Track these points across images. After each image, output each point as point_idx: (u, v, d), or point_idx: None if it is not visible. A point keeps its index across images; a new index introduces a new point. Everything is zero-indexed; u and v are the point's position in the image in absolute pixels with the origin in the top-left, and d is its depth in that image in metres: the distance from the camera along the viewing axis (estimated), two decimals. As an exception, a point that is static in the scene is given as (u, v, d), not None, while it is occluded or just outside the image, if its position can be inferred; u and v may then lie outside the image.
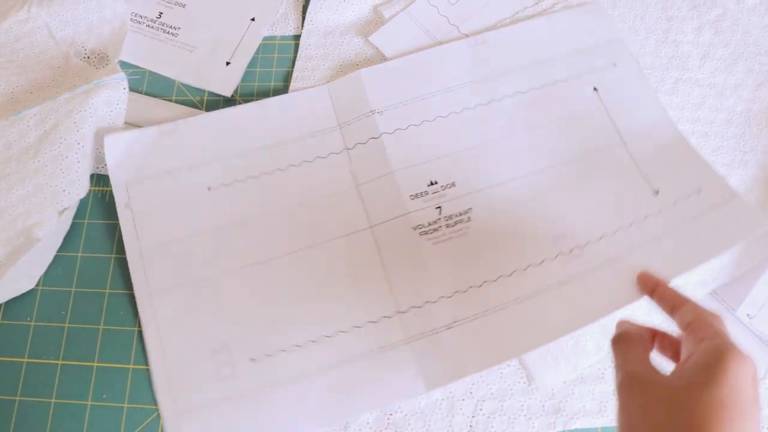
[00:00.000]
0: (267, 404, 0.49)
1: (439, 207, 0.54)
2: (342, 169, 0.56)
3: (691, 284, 0.52)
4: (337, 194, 0.56)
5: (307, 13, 0.64)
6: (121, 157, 0.56)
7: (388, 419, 0.51)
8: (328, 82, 0.61)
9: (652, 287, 0.44)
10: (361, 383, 0.49)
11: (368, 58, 0.62)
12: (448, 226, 0.53)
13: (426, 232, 0.53)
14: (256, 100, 0.61)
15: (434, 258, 0.53)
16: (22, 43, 0.63)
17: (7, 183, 0.54)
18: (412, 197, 0.54)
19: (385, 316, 0.51)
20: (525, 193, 0.55)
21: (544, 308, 0.50)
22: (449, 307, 0.51)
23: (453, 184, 0.55)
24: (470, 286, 0.52)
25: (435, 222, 0.54)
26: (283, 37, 0.65)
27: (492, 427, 0.50)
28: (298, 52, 0.63)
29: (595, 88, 0.58)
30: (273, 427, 0.48)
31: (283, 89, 0.62)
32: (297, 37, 0.64)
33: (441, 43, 0.61)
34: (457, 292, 0.52)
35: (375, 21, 0.64)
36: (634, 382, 0.35)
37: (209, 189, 0.56)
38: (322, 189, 0.56)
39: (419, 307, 0.51)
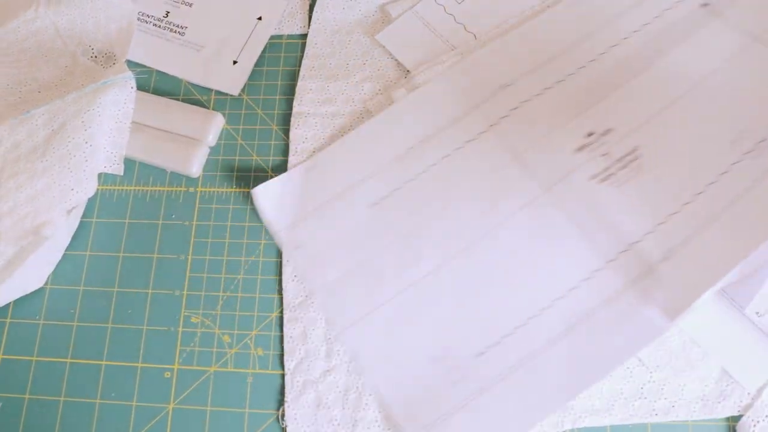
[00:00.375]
0: (509, 392, 0.48)
1: (606, 153, 0.54)
2: (496, 146, 0.55)
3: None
4: (500, 170, 0.55)
5: (314, 12, 0.64)
6: (275, 203, 0.56)
7: (395, 418, 0.51)
8: (329, 83, 0.61)
9: None
10: (599, 342, 0.49)
11: (375, 57, 0.62)
12: (621, 167, 0.53)
13: (604, 179, 0.53)
14: (264, 98, 0.62)
15: (622, 201, 0.52)
16: (29, 43, 0.63)
17: (16, 182, 0.54)
18: (577, 150, 0.54)
19: (596, 270, 0.50)
20: (688, 110, 0.55)
21: (757, 203, 0.50)
22: (657, 240, 0.50)
23: (609, 130, 0.55)
24: (670, 214, 0.51)
25: (608, 168, 0.53)
26: (290, 36, 0.65)
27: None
28: (305, 51, 0.63)
29: None
30: (521, 415, 0.48)
31: (291, 88, 0.62)
32: (304, 36, 0.64)
33: (448, 42, 0.61)
34: (659, 224, 0.51)
35: (382, 20, 0.64)
36: None
37: (372, 206, 0.55)
38: (483, 170, 0.55)
39: (626, 250, 0.50)
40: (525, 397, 0.49)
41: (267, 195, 0.57)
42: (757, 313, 0.50)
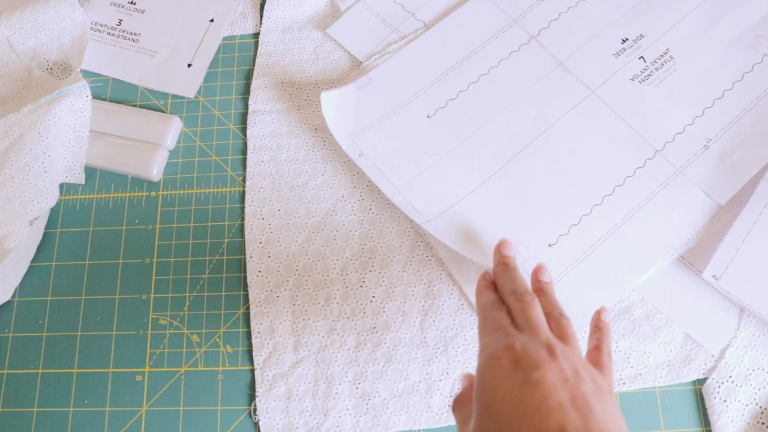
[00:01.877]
0: (583, 278, 0.52)
1: (641, 56, 0.58)
2: (539, 55, 0.60)
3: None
4: (546, 77, 0.59)
5: (265, 11, 0.65)
6: (335, 112, 0.58)
7: (366, 404, 0.51)
8: (283, 80, 0.62)
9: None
10: (657, 223, 0.53)
11: (327, 51, 0.63)
12: (657, 69, 0.58)
13: (643, 79, 0.58)
14: (220, 98, 0.62)
15: (661, 97, 0.57)
16: (-16, 59, 0.63)
17: (-25, 197, 0.55)
18: (615, 55, 0.59)
19: (648, 159, 0.55)
20: (707, 16, 0.60)
21: None
22: (697, 130, 0.55)
23: (641, 35, 0.59)
24: (705, 107, 0.56)
25: (645, 69, 0.58)
26: (242, 36, 0.65)
27: (470, 405, 0.51)
28: (258, 50, 0.64)
29: None
30: (595, 296, 0.51)
31: (246, 87, 0.62)
32: (256, 36, 0.65)
33: (398, 31, 0.62)
34: (696, 116, 0.56)
35: (332, 14, 0.64)
36: None
37: (428, 117, 0.58)
38: (530, 77, 0.59)
39: (671, 141, 0.55)
40: (598, 280, 0.52)
41: (330, 102, 0.59)
42: (714, 276, 0.51)
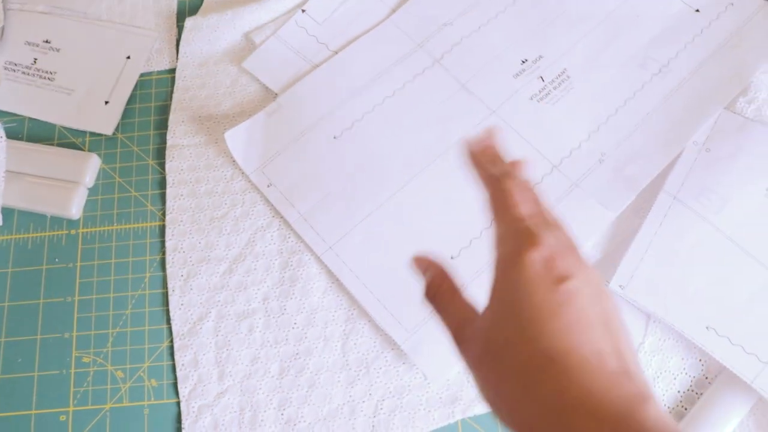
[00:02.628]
0: (482, 287, 0.51)
1: (540, 76, 0.61)
2: (442, 78, 0.62)
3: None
4: (449, 98, 0.61)
5: (180, 46, 0.66)
6: (243, 147, 0.60)
7: (292, 429, 0.52)
8: (201, 114, 0.63)
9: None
10: None
11: (244, 85, 0.64)
12: (555, 87, 0.61)
13: (542, 98, 0.61)
14: (139, 134, 0.63)
15: (559, 114, 0.60)
16: None
17: None
18: (515, 76, 0.62)
19: (545, 174, 0.58)
20: (601, 38, 0.63)
21: (667, 115, 0.60)
22: (592, 145, 0.59)
23: (540, 56, 0.63)
24: (600, 124, 0.59)
25: (543, 89, 0.61)
26: (159, 72, 0.66)
27: (394, 423, 0.52)
28: (175, 85, 0.64)
29: None
30: None
31: (164, 122, 0.63)
32: (173, 71, 0.65)
33: (312, 62, 0.64)
34: (591, 132, 0.59)
35: (247, 47, 0.66)
36: (465, 331, 0.33)
37: (335, 138, 0.60)
38: (434, 99, 0.61)
39: (568, 156, 0.58)
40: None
41: (236, 139, 0.60)
42: (620, 286, 0.54)
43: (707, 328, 0.52)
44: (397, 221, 0.57)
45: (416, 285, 0.52)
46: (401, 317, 0.53)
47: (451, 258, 0.55)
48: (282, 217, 0.58)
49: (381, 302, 0.54)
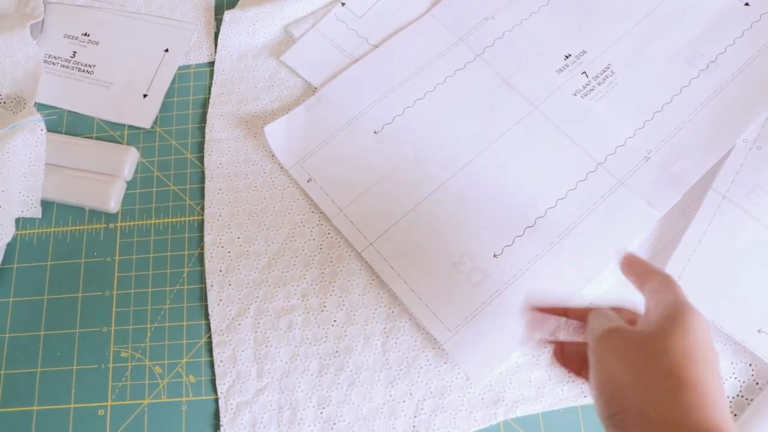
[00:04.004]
0: (526, 288, 0.52)
1: (584, 72, 0.60)
2: (484, 72, 0.61)
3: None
4: (490, 93, 0.60)
5: (219, 40, 0.65)
6: (283, 141, 0.59)
7: (331, 428, 0.51)
8: (239, 108, 0.62)
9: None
10: (600, 232, 0.54)
11: (282, 78, 0.63)
12: (599, 83, 0.60)
13: (585, 94, 0.59)
14: (177, 128, 0.62)
15: (603, 111, 0.59)
16: (-65, 95, 0.63)
17: (-72, 236, 0.54)
18: (558, 71, 0.60)
19: (590, 171, 0.56)
20: (647, 32, 0.62)
21: (716, 113, 0.58)
22: (638, 142, 0.57)
23: (584, 51, 0.61)
24: (645, 120, 0.58)
25: (587, 84, 0.60)
26: (197, 65, 0.65)
27: (434, 424, 0.51)
28: (213, 78, 0.64)
29: None
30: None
31: (202, 116, 0.63)
32: (211, 64, 0.65)
33: (352, 56, 0.63)
34: (637, 129, 0.58)
35: (286, 41, 0.65)
36: (611, 335, 0.37)
37: (375, 132, 0.59)
38: (475, 94, 0.60)
39: (613, 153, 0.57)
40: (543, 289, 0.53)
41: (275, 134, 0.59)
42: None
43: (759, 331, 0.50)
44: (438, 218, 0.56)
45: (459, 284, 0.52)
46: (443, 316, 0.52)
47: (494, 256, 0.54)
48: (322, 213, 0.57)
49: (423, 300, 0.53)
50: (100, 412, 0.54)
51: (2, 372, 0.55)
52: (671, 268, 0.52)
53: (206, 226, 0.58)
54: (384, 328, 0.54)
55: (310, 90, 0.63)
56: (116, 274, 0.58)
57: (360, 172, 0.58)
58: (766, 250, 0.53)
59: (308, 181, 0.58)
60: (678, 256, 0.53)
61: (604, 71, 0.60)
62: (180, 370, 0.54)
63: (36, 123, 0.59)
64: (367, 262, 0.55)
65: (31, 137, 0.59)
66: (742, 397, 0.50)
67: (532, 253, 0.54)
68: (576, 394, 0.51)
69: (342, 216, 0.56)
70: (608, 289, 0.53)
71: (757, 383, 0.50)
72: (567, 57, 0.61)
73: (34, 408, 0.54)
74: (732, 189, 0.55)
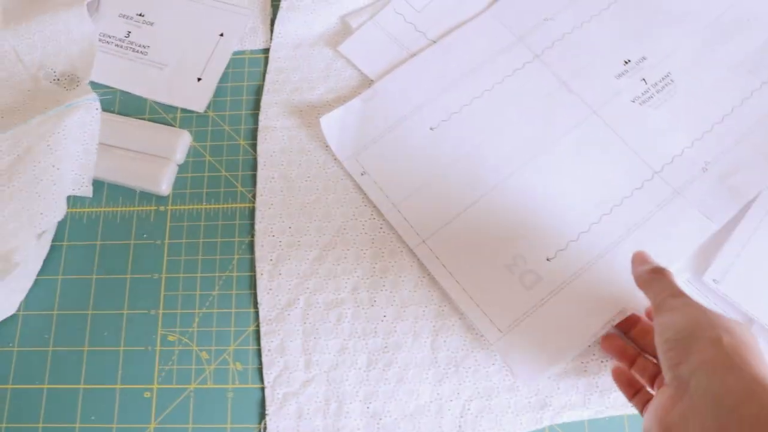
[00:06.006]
0: (578, 294, 0.52)
1: (643, 78, 0.59)
2: (542, 74, 0.60)
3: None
4: (548, 95, 0.60)
5: (275, 27, 0.65)
6: (338, 133, 0.59)
7: (378, 423, 0.51)
8: (294, 96, 0.62)
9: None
10: (654, 243, 0.53)
11: (338, 69, 0.63)
12: (657, 91, 0.59)
13: (644, 101, 0.58)
14: (230, 113, 0.62)
15: (661, 119, 0.58)
16: (-11, 68, 0.63)
17: (-17, 210, 0.54)
18: (617, 77, 0.60)
19: (646, 180, 0.56)
20: (709, 42, 0.61)
21: None
22: (696, 153, 0.56)
23: (644, 57, 0.60)
24: (704, 131, 0.57)
25: (646, 92, 0.59)
26: (252, 51, 0.65)
27: (480, 425, 0.51)
28: (268, 66, 0.64)
29: None
30: (589, 314, 0.52)
31: (256, 103, 0.62)
32: (266, 51, 0.65)
33: (409, 50, 0.62)
34: (695, 140, 0.57)
35: (343, 31, 0.65)
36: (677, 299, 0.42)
37: (431, 129, 0.59)
38: (533, 95, 0.60)
39: (670, 163, 0.56)
40: (592, 296, 0.52)
41: (331, 125, 0.59)
42: (714, 280, 0.52)
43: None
44: (492, 219, 0.55)
45: (511, 285, 0.52)
46: (494, 317, 0.52)
47: (547, 260, 0.53)
48: (375, 207, 0.57)
49: (474, 300, 0.53)
50: (146, 395, 0.54)
51: (50, 349, 0.55)
52: (720, 262, 0.52)
53: (257, 214, 0.58)
54: (434, 326, 0.53)
55: (366, 82, 0.62)
56: (165, 258, 0.58)
57: (414, 168, 0.57)
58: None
59: (362, 175, 0.58)
60: (728, 250, 0.53)
61: (663, 79, 0.59)
62: (227, 357, 0.54)
63: (91, 102, 0.59)
64: (418, 258, 0.55)
65: (87, 116, 0.58)
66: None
67: (585, 258, 0.53)
68: (623, 403, 0.51)
69: (395, 211, 0.56)
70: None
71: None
72: (626, 62, 0.60)
73: (81, 386, 0.54)
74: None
